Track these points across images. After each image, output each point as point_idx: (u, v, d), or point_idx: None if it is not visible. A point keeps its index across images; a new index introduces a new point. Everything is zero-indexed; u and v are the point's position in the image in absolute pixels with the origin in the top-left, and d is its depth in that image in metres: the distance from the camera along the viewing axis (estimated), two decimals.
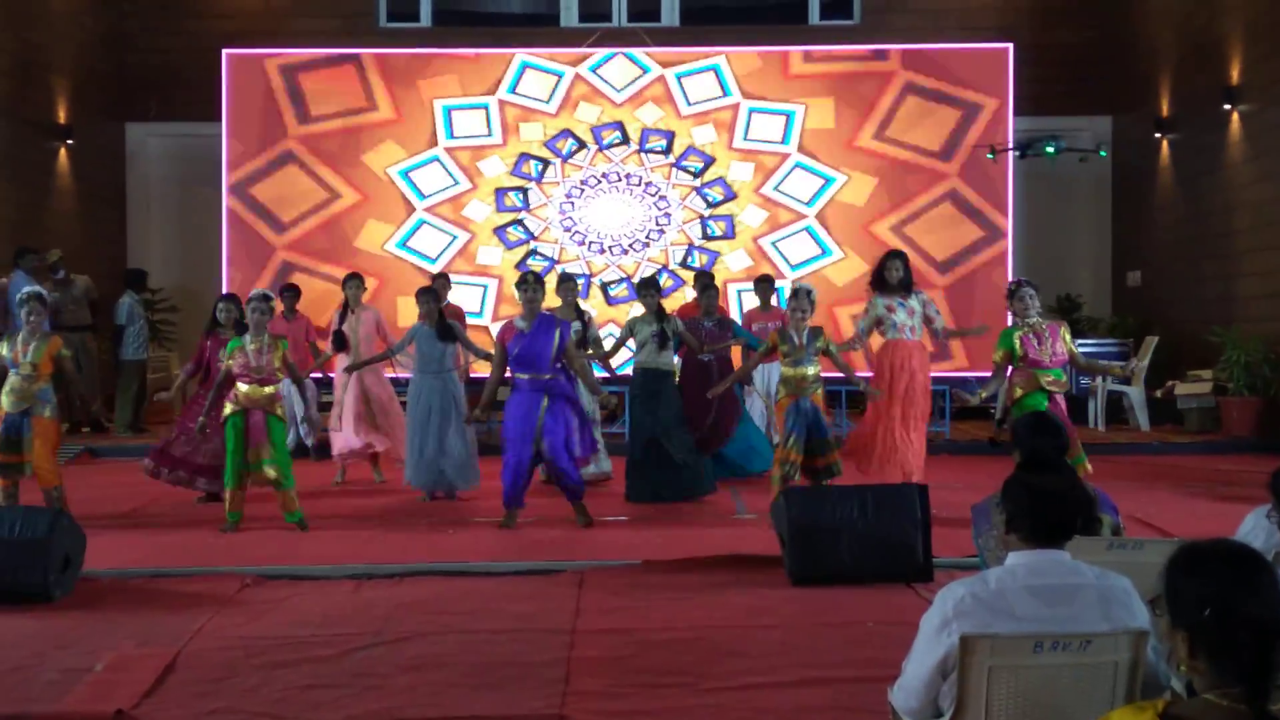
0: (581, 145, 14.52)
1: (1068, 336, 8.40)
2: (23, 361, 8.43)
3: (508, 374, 8.65)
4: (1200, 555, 2.33)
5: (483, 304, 14.32)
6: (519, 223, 14.51)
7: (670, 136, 14.50)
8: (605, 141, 14.52)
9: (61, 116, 14.93)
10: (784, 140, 14.49)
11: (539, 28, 16.33)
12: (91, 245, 15.14)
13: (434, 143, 14.55)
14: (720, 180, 14.48)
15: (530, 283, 8.56)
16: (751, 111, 14.49)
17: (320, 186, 14.52)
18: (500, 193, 14.51)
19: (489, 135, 14.55)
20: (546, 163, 14.49)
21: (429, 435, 9.57)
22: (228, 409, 8.57)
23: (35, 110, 14.44)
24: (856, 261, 14.13)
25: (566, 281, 10.36)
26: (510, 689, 5.02)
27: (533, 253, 14.41)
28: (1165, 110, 15.11)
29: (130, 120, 16.46)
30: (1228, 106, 13.48)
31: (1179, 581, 2.32)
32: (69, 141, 14.99)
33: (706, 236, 14.45)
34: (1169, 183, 15.16)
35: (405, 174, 14.50)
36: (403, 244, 14.46)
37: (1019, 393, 8.26)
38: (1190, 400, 13.36)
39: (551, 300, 9.90)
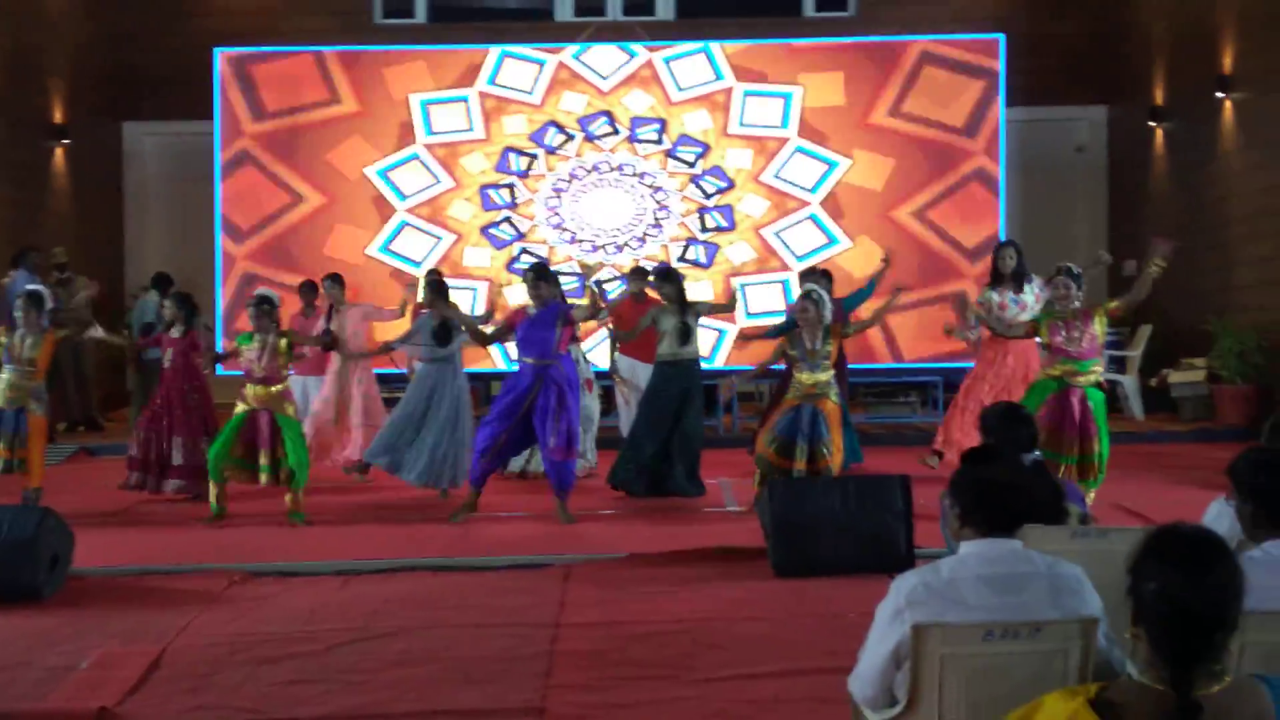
0: (569, 137, 13.88)
1: (1100, 327, 8.08)
2: (21, 357, 8.59)
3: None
4: (1168, 539, 2.41)
5: (471, 309, 13.01)
6: (507, 220, 13.84)
7: (662, 124, 13.81)
8: (592, 131, 13.84)
9: (58, 116, 14.95)
10: (783, 124, 13.73)
11: (533, 22, 16.34)
12: (88, 245, 15.14)
13: (408, 139, 13.89)
14: (717, 168, 13.75)
15: (530, 278, 8.80)
16: (747, 95, 13.78)
17: (281, 190, 13.97)
18: (485, 190, 13.81)
19: (470, 130, 13.87)
20: (532, 156, 13.82)
21: (423, 426, 9.58)
22: (239, 407, 8.66)
23: (31, 110, 14.45)
24: (874, 249, 12.56)
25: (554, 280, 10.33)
26: (494, 683, 5.07)
27: (523, 252, 13.70)
28: (1160, 99, 15.08)
29: (127, 119, 16.49)
30: (1221, 95, 13.46)
31: (1143, 557, 2.40)
32: (65, 141, 15.00)
33: (704, 229, 13.71)
34: (1163, 172, 15.15)
35: (384, 173, 13.82)
36: (384, 248, 13.77)
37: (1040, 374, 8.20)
38: (1184, 389, 13.33)
39: None
